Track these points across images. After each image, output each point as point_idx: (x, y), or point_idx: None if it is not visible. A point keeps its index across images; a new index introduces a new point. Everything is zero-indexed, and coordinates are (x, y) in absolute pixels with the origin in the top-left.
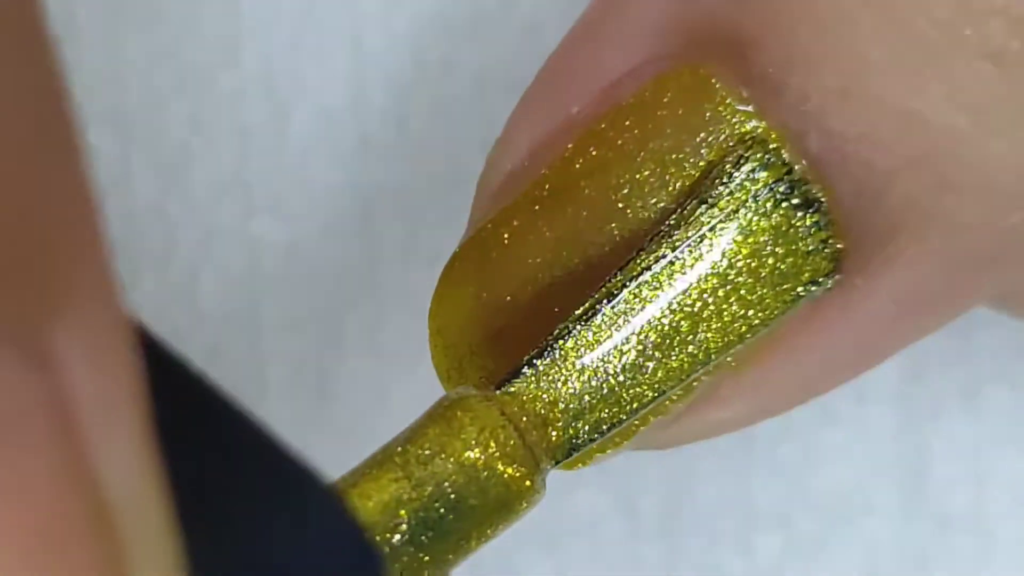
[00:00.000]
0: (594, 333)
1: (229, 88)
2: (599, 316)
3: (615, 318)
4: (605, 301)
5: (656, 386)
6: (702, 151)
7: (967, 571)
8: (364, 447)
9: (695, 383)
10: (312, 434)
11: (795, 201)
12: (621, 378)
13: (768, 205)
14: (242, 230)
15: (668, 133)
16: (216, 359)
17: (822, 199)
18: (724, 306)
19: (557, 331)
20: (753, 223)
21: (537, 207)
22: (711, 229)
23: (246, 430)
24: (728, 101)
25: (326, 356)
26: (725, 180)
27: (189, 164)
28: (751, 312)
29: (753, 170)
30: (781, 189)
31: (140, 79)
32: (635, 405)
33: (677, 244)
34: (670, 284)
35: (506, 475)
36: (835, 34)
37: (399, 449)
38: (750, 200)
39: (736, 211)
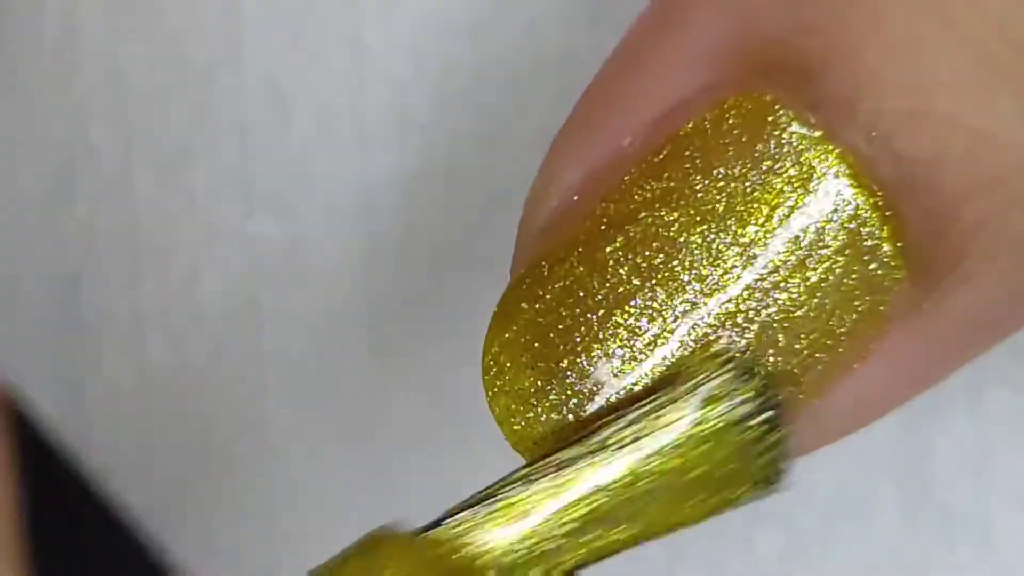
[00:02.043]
0: (537, 494)
1: (229, 88)
2: (543, 480)
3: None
4: (553, 470)
5: (593, 552)
6: (770, 179)
7: (968, 570)
8: (363, 447)
9: None
10: (312, 434)
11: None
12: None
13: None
14: (242, 230)
15: (732, 163)
16: (216, 359)
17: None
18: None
19: (496, 485)
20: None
21: (595, 243)
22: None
23: (112, 529)
24: (795, 127)
25: (326, 356)
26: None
27: (189, 164)
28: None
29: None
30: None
31: (140, 79)
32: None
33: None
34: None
35: None
36: (905, 56)
37: None
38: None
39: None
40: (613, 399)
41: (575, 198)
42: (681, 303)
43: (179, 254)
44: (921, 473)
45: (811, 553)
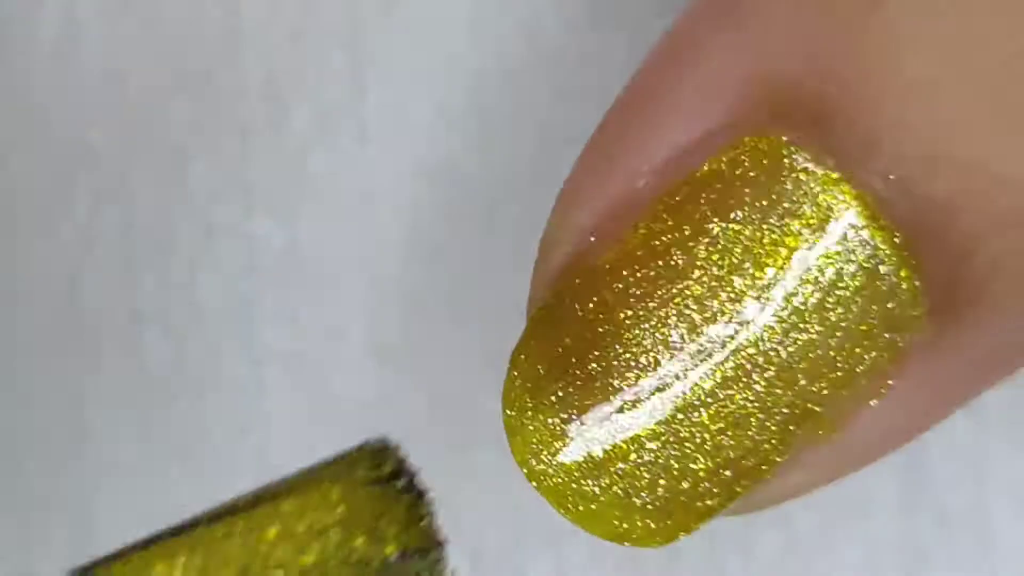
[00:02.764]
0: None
1: (229, 88)
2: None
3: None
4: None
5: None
6: (787, 222)
7: (966, 568)
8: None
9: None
10: (312, 434)
11: None
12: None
13: None
14: (242, 229)
15: (748, 205)
16: (216, 359)
17: None
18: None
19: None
20: None
21: (611, 286)
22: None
23: None
24: (812, 169)
25: (326, 356)
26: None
27: (189, 164)
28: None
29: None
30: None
31: (140, 79)
32: None
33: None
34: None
35: None
36: (923, 102)
37: None
38: None
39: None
40: None
41: (589, 241)
42: (697, 346)
43: (178, 254)
44: (919, 472)
45: (811, 553)
